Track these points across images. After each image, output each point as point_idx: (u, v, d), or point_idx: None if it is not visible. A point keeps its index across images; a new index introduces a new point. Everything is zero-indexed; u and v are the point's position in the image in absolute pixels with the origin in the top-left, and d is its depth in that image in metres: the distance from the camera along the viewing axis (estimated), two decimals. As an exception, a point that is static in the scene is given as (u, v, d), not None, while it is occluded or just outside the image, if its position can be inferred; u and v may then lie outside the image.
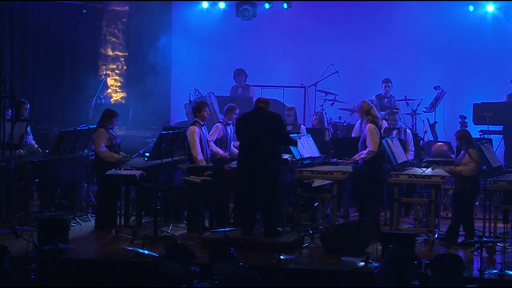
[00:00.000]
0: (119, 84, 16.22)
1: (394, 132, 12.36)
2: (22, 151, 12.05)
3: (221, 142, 12.11)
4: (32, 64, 15.79)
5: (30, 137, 12.44)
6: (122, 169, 11.28)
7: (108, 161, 11.63)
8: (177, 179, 12.00)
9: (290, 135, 11.13)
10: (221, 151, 12.03)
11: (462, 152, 10.92)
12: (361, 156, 11.16)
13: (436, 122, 15.14)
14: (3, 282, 8.49)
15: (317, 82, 15.62)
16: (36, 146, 12.48)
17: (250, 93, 15.73)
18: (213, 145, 12.03)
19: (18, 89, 15.12)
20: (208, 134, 12.06)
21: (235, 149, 12.07)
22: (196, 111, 11.94)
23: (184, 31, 17.04)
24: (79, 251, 10.18)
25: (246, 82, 15.88)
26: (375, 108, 11.54)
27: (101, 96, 15.77)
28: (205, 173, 11.34)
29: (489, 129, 14.32)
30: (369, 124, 11.22)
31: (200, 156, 11.60)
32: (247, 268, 8.59)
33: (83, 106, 15.89)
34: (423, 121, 14.99)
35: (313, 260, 10.05)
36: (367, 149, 11.09)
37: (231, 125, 12.17)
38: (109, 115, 11.92)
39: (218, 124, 12.23)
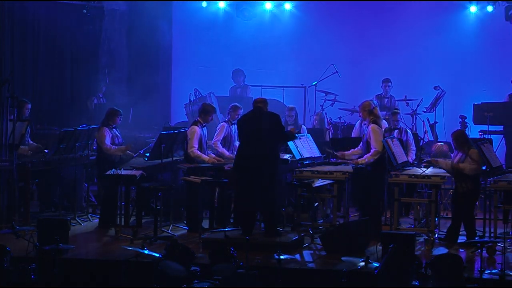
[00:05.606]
0: (119, 84, 16.20)
1: (395, 132, 12.32)
2: (27, 147, 12.17)
3: (225, 140, 12.13)
4: (32, 64, 15.77)
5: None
6: (122, 169, 11.30)
7: (115, 155, 11.94)
8: (177, 179, 12.02)
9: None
10: (227, 153, 12.00)
11: (460, 153, 10.82)
12: (366, 159, 11.13)
13: (436, 122, 15.14)
14: (3, 282, 8.49)
15: (317, 82, 15.63)
16: (27, 147, 12.44)
17: (249, 93, 15.72)
18: (219, 145, 12.04)
19: (18, 89, 15.08)
20: (212, 134, 12.07)
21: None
22: (202, 113, 11.91)
23: (184, 31, 17.05)
24: (79, 251, 10.18)
25: (244, 82, 15.88)
26: (378, 108, 11.55)
27: (100, 96, 15.76)
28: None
29: (489, 129, 14.32)
30: (372, 125, 11.19)
31: (195, 151, 11.57)
32: (247, 268, 8.60)
33: (83, 106, 15.89)
34: (423, 121, 14.99)
35: (313, 260, 10.04)
36: (372, 150, 11.07)
37: (234, 124, 12.20)
38: (113, 114, 12.09)
39: (223, 123, 12.25)
